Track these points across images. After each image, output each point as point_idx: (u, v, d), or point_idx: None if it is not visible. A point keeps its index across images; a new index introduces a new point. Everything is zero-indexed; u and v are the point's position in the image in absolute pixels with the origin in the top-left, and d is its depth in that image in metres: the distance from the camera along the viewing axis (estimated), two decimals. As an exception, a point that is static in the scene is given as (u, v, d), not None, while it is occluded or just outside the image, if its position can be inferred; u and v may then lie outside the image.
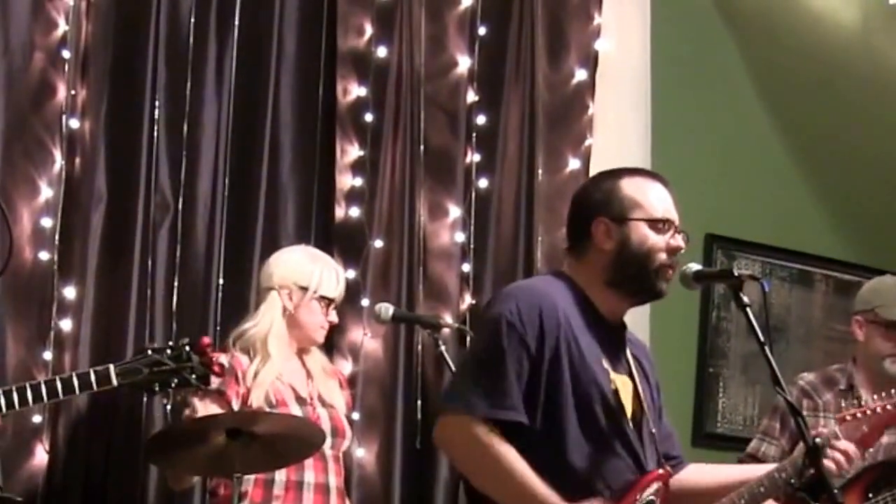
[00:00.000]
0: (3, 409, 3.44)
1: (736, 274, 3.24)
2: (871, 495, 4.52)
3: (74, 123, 4.75)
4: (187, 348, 3.58)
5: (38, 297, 4.62)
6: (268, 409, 4.24)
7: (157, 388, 3.58)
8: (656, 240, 3.28)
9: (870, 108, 6.55)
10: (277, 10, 5.10)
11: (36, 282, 4.62)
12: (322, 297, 4.43)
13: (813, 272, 6.39)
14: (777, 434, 4.77)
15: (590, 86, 5.61)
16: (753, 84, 6.31)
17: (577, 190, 3.53)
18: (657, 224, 3.29)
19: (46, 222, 4.65)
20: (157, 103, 4.83)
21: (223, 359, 4.28)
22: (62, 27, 4.74)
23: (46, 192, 4.67)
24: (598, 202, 3.34)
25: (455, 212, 5.35)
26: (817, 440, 3.08)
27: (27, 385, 3.48)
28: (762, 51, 6.35)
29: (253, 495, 4.23)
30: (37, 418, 4.55)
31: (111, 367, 3.51)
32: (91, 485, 4.60)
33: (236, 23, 5.03)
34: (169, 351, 3.58)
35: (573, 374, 3.19)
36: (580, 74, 5.61)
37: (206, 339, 3.60)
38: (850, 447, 3.41)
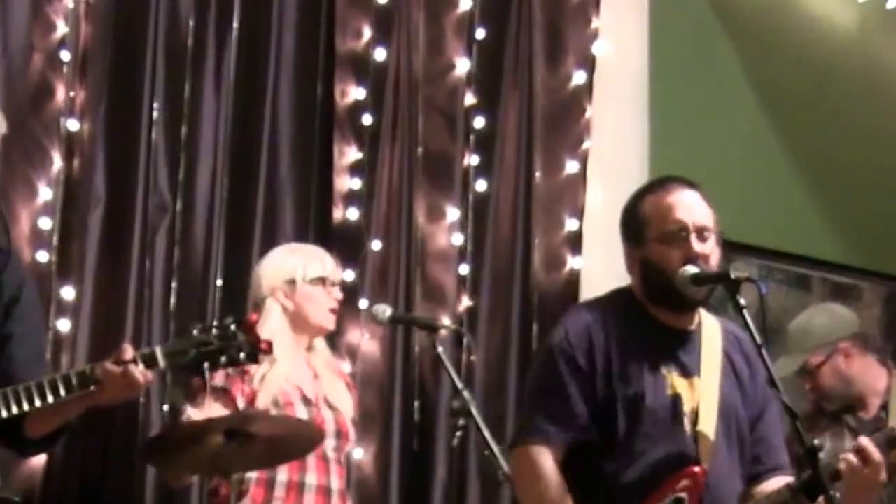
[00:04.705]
0: (51, 399, 3.33)
1: (733, 276, 3.25)
2: None
3: (73, 125, 4.76)
4: (233, 327, 3.46)
5: (36, 298, 4.62)
6: (273, 410, 4.23)
7: (206, 370, 3.45)
8: (669, 253, 3.33)
9: (867, 112, 6.55)
10: (276, 12, 5.11)
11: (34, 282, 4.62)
12: (313, 280, 4.43)
13: (810, 275, 6.39)
14: None
15: (587, 89, 5.61)
16: (751, 87, 6.32)
17: None
18: (669, 236, 3.34)
19: (45, 223, 4.66)
20: (155, 105, 4.84)
21: None
22: (61, 29, 4.75)
23: (45, 194, 4.68)
24: (623, 229, 3.48)
25: (453, 214, 5.35)
26: (815, 442, 3.09)
27: (58, 376, 3.37)
28: (760, 54, 6.35)
29: (254, 495, 4.22)
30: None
31: (157, 348, 3.43)
32: (88, 485, 4.60)
33: (235, 25, 5.04)
34: (215, 330, 3.46)
35: (623, 387, 3.30)
36: (578, 77, 5.62)
37: (254, 316, 3.53)
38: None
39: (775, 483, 3.40)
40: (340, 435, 4.38)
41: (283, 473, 4.24)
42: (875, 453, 3.20)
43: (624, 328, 3.37)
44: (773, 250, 6.28)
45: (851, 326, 4.83)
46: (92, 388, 3.34)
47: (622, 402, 3.29)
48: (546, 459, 3.29)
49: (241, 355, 3.46)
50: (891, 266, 6.35)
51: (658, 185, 3.49)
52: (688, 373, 3.36)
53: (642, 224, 3.40)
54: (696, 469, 3.27)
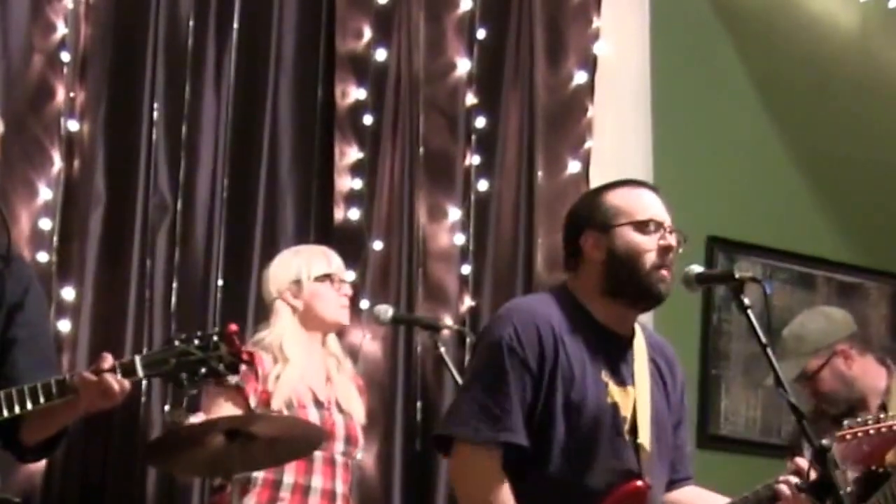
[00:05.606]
0: (30, 406, 3.33)
1: (737, 276, 3.22)
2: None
3: (73, 125, 4.76)
4: (215, 338, 3.42)
5: (37, 299, 4.60)
6: (286, 411, 4.23)
7: (184, 380, 3.39)
8: (643, 240, 3.26)
9: (869, 110, 6.54)
10: (276, 13, 5.11)
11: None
12: (318, 278, 4.42)
13: (814, 274, 6.36)
14: None
15: (589, 88, 5.60)
16: (752, 86, 6.31)
17: (567, 210, 3.52)
18: (643, 226, 3.28)
19: (45, 224, 4.65)
20: (155, 105, 4.84)
21: None
22: (61, 30, 4.75)
23: (45, 194, 4.67)
24: (584, 216, 3.37)
25: (454, 214, 5.34)
26: (824, 442, 3.07)
27: (39, 384, 3.33)
28: (761, 54, 6.35)
29: (260, 495, 4.23)
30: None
31: (136, 358, 3.39)
32: (89, 486, 4.59)
33: (235, 25, 5.04)
34: (197, 340, 3.41)
35: (565, 392, 3.22)
36: (579, 77, 5.61)
37: (234, 327, 3.50)
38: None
39: (688, 493, 3.41)
40: (350, 440, 4.38)
41: (289, 475, 4.24)
42: (811, 473, 3.18)
43: (569, 330, 3.26)
44: (776, 249, 6.27)
45: (847, 328, 4.79)
46: (70, 396, 3.32)
47: (564, 408, 3.21)
48: (483, 460, 3.19)
49: (221, 366, 3.43)
50: (894, 264, 6.34)
51: (622, 183, 3.42)
52: (622, 381, 3.29)
53: (611, 212, 3.29)
54: (640, 483, 3.23)
